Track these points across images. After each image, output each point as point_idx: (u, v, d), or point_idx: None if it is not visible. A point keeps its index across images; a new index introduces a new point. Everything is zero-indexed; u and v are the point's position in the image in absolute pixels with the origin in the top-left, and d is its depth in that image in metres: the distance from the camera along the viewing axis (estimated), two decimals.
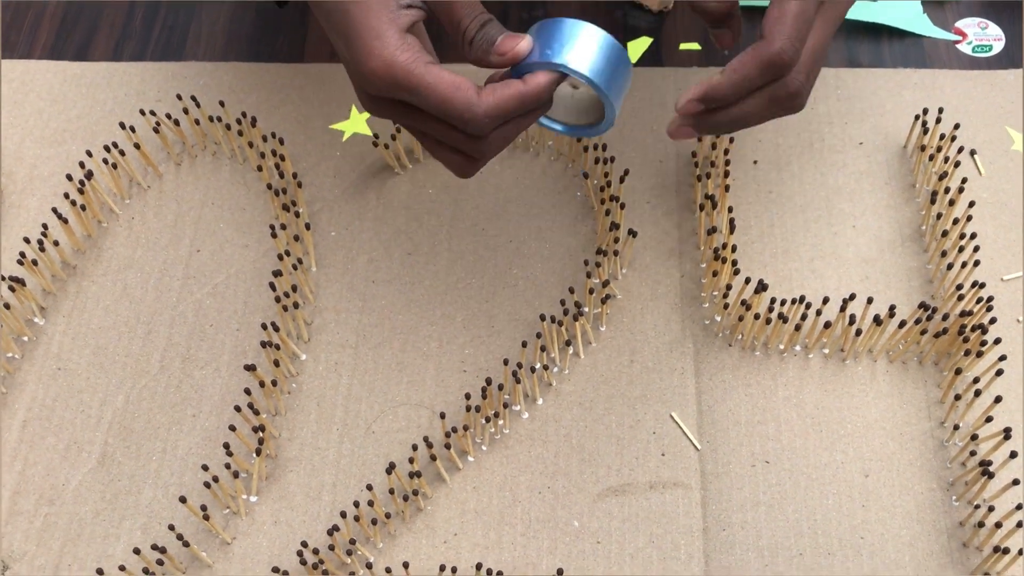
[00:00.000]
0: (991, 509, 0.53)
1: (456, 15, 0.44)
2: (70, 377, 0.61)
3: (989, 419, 0.55)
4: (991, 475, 0.52)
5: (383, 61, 0.42)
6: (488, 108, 0.42)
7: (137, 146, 0.67)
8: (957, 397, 0.56)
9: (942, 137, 0.65)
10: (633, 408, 0.59)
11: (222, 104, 0.69)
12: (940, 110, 0.66)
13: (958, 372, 0.56)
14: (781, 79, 0.45)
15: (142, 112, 0.68)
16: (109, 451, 0.59)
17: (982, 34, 0.73)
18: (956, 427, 0.56)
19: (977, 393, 0.56)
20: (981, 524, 0.53)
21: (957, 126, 0.65)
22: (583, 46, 0.44)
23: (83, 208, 0.65)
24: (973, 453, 0.54)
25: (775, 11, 0.43)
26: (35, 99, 0.72)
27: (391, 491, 0.54)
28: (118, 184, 0.67)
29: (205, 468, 0.56)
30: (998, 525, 0.52)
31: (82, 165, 0.66)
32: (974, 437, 0.54)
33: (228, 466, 0.56)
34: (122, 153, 0.67)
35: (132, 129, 0.67)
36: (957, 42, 0.73)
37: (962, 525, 0.54)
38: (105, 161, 0.67)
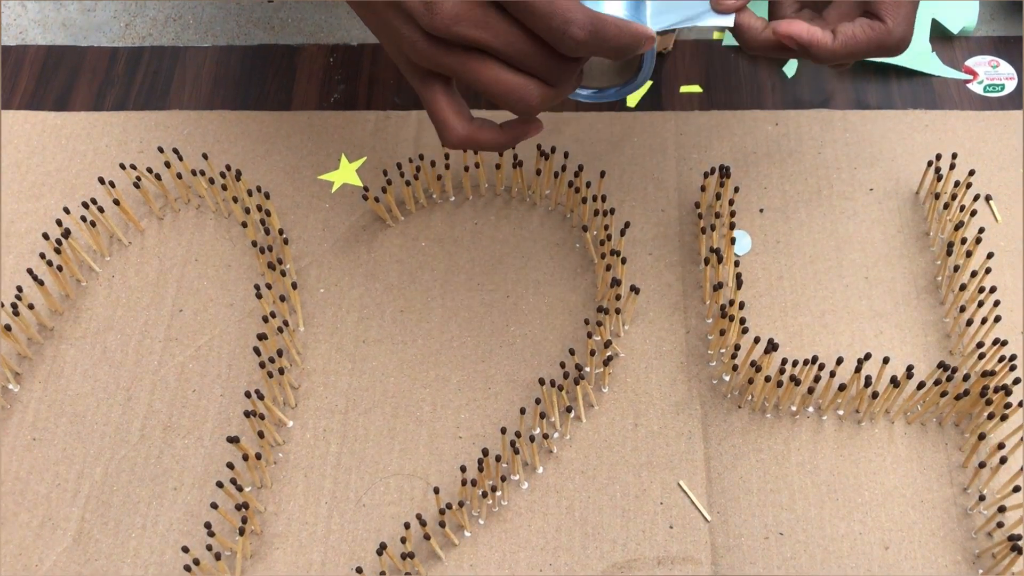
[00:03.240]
0: None
1: None
2: (45, 448, 0.58)
3: (1016, 489, 0.52)
4: (1021, 551, 0.49)
5: None
6: (594, 19, 0.39)
7: (116, 202, 0.64)
8: (982, 465, 0.53)
9: (956, 184, 0.62)
10: (639, 476, 0.56)
11: (205, 157, 0.66)
12: (954, 155, 0.63)
13: (981, 437, 0.53)
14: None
15: (122, 166, 0.66)
16: (86, 528, 0.56)
17: (993, 73, 0.71)
18: (982, 497, 0.53)
19: (1003, 460, 0.53)
20: None
21: (972, 172, 0.63)
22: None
23: (60, 269, 0.62)
24: (1000, 525, 0.51)
25: None
26: (12, 151, 0.70)
27: (382, 574, 0.51)
28: (97, 241, 0.65)
29: (185, 550, 0.52)
30: None
31: (59, 223, 0.63)
32: (1002, 509, 0.51)
33: (210, 548, 0.52)
34: (101, 210, 0.64)
35: (112, 184, 0.65)
36: (968, 81, 0.70)
37: None
38: (83, 219, 0.64)
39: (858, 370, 0.55)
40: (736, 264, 0.61)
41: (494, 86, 0.40)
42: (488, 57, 0.40)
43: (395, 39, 0.42)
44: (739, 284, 0.59)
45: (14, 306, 0.60)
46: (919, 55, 0.71)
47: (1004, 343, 0.56)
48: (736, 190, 0.64)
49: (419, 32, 0.40)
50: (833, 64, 0.47)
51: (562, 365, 0.58)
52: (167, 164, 0.65)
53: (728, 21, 0.44)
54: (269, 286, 0.61)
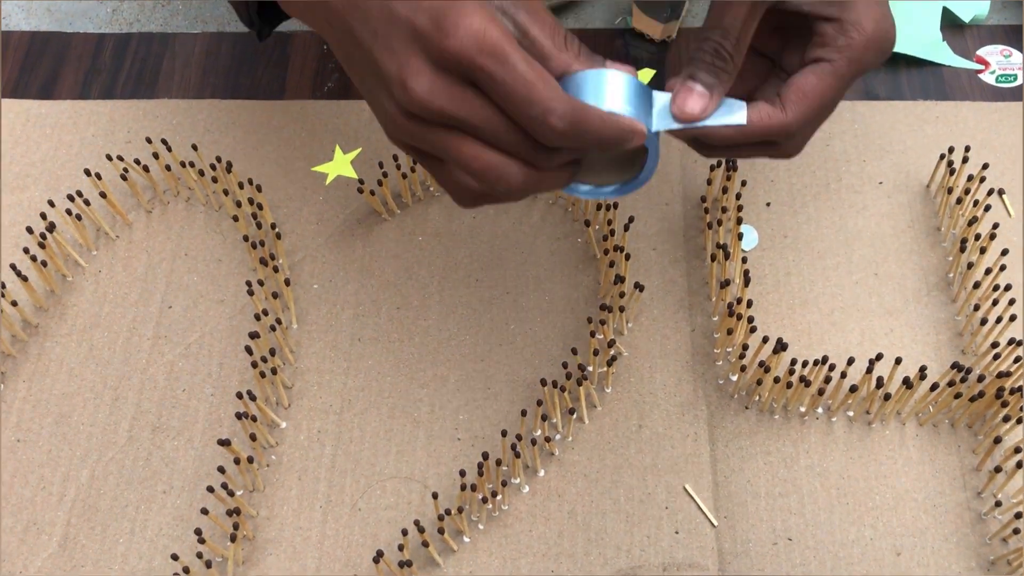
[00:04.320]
0: None
1: (552, 20, 0.39)
2: (30, 450, 0.56)
3: None
4: None
5: (480, 20, 0.36)
6: (576, 110, 0.37)
7: (103, 194, 0.62)
8: (997, 469, 0.51)
9: (970, 178, 0.60)
10: (643, 480, 0.54)
11: (195, 148, 0.64)
12: (967, 148, 0.61)
13: (997, 441, 0.51)
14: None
15: (108, 157, 0.64)
16: (72, 533, 0.54)
17: (1005, 63, 0.69)
18: (998, 503, 0.51)
19: (1019, 465, 0.51)
20: None
21: (986, 166, 0.61)
22: (635, 100, 0.39)
23: (44, 264, 0.60)
24: (1016, 531, 0.50)
25: (802, 83, 0.41)
26: None
27: None
28: (83, 235, 0.63)
29: (175, 558, 0.51)
30: None
31: (43, 216, 0.61)
32: (1019, 515, 0.50)
33: (200, 555, 0.51)
34: (87, 203, 0.62)
35: (98, 176, 0.62)
36: (979, 71, 0.69)
37: None
38: (69, 212, 0.62)
39: (869, 371, 0.53)
40: (743, 260, 0.59)
41: (473, 162, 0.38)
42: (467, 135, 0.38)
43: (379, 113, 0.40)
44: (747, 281, 0.57)
45: None
46: (929, 44, 0.69)
47: (1020, 343, 0.54)
48: (743, 183, 0.62)
49: (398, 108, 0.38)
50: (723, 153, 0.44)
51: (564, 365, 0.56)
52: (155, 155, 0.63)
53: (741, 119, 0.40)
54: (261, 282, 0.59)
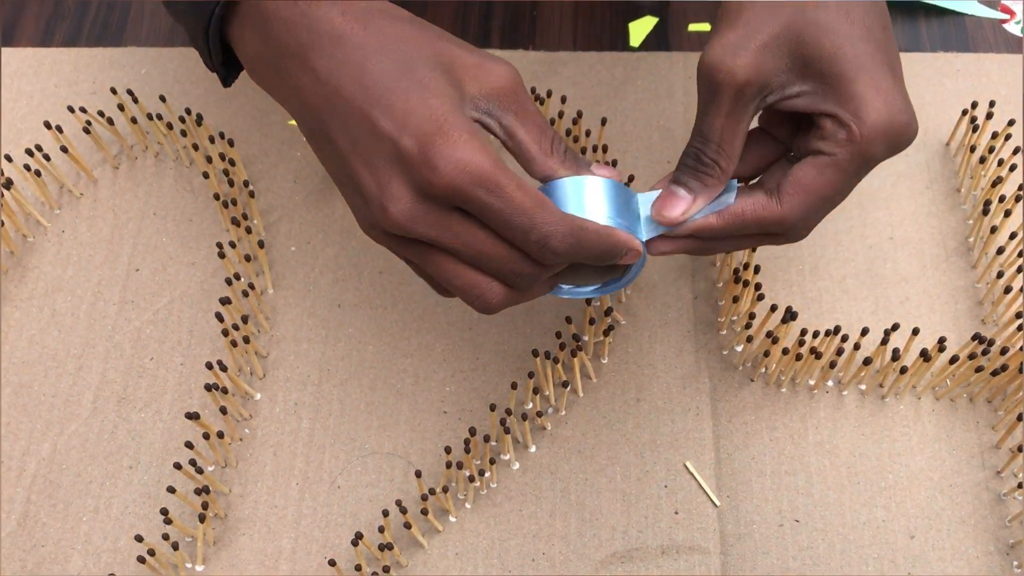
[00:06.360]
0: None
1: (541, 121, 0.39)
2: None
3: None
4: None
5: (469, 150, 0.35)
6: (575, 230, 0.37)
7: (64, 149, 0.58)
8: (1020, 449, 0.48)
9: (994, 136, 0.56)
10: (641, 456, 0.51)
11: (163, 99, 0.59)
12: (991, 103, 0.57)
13: (1021, 419, 0.48)
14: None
15: (71, 109, 0.59)
16: (32, 511, 0.51)
17: None
18: (1020, 485, 0.48)
19: None
20: None
21: (1012, 122, 0.57)
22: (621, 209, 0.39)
23: (1, 223, 0.56)
24: None
25: (800, 176, 0.39)
26: None
27: (357, 567, 0.46)
28: (45, 192, 0.58)
29: (139, 539, 0.47)
30: None
31: (0, 172, 0.57)
32: None
33: (167, 536, 0.47)
34: (47, 157, 0.58)
35: (59, 129, 0.58)
36: (1004, 21, 0.64)
37: None
38: (28, 168, 0.57)
39: (884, 342, 0.50)
40: None
41: (453, 280, 0.38)
42: (448, 253, 0.38)
43: (354, 210, 0.39)
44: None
45: None
46: None
47: None
48: None
49: (375, 220, 0.37)
50: (731, 235, 0.42)
51: (558, 335, 0.52)
52: (120, 107, 0.59)
53: (729, 200, 0.40)
54: (233, 244, 0.55)
